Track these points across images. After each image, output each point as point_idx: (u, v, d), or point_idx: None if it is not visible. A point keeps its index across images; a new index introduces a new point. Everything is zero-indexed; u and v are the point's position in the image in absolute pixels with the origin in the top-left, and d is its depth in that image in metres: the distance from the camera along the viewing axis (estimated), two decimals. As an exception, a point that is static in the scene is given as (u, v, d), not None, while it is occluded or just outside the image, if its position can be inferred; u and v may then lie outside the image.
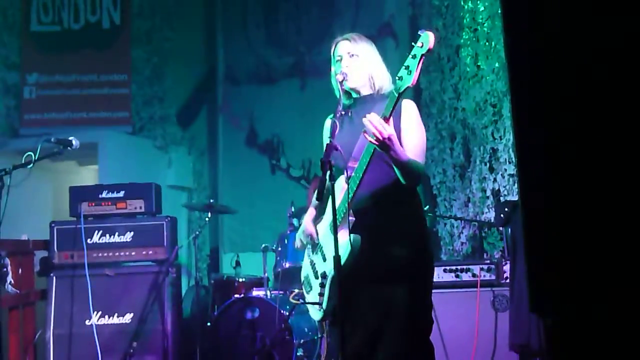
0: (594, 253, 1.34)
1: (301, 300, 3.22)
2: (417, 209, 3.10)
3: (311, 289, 3.15)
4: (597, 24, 1.36)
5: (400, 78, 2.70)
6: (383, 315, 2.91)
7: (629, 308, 1.34)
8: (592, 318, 1.38)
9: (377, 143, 2.71)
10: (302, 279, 3.26)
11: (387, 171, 2.91)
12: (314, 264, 3.15)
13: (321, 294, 3.00)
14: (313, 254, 3.18)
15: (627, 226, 1.32)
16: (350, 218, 2.86)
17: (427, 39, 2.64)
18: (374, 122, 2.68)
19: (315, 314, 3.09)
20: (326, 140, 3.26)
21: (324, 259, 3.03)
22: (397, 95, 2.71)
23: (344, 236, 2.81)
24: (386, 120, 2.70)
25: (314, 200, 3.29)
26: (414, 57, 2.66)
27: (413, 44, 2.68)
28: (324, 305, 2.97)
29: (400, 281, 2.91)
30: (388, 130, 2.70)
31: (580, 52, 1.37)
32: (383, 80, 3.13)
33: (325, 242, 3.05)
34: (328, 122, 3.32)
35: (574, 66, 1.37)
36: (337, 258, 2.66)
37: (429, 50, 2.64)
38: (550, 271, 1.38)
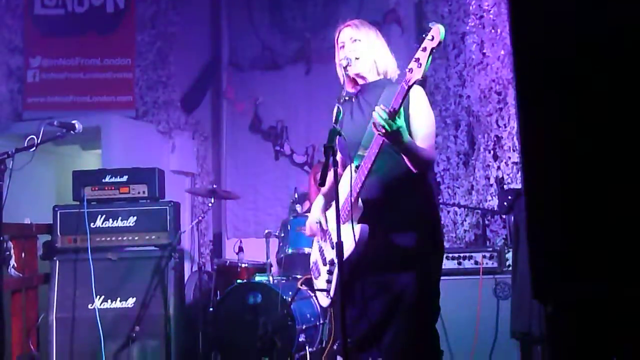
0: (596, 241, 1.33)
1: (308, 287, 3.24)
2: (427, 197, 3.09)
3: (319, 275, 3.16)
4: (605, 13, 1.35)
5: (411, 70, 2.68)
6: (390, 303, 2.92)
7: (631, 296, 1.34)
8: (593, 305, 1.38)
9: (385, 136, 2.71)
10: (311, 264, 3.27)
11: (396, 160, 2.90)
12: (323, 250, 3.15)
13: (329, 281, 3.00)
14: (322, 240, 3.18)
15: (629, 214, 1.31)
16: (359, 206, 2.86)
17: (438, 32, 2.63)
18: (382, 116, 2.67)
19: (323, 300, 3.10)
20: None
21: (332, 247, 3.03)
22: (407, 88, 2.70)
23: (350, 225, 2.81)
24: (395, 112, 2.69)
25: (324, 188, 3.29)
26: (424, 49, 2.65)
27: (423, 35, 2.66)
28: (332, 292, 2.98)
29: (408, 270, 2.91)
30: (397, 123, 2.69)
31: (586, 41, 1.36)
32: (387, 64, 3.12)
33: (334, 229, 3.05)
34: (335, 109, 3.31)
35: (581, 55, 1.36)
36: (339, 244, 2.66)
37: (439, 43, 2.63)
38: (553, 258, 1.38)
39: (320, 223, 3.17)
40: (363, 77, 3.12)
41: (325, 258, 3.11)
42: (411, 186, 2.98)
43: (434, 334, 3.04)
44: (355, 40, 3.10)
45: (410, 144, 2.80)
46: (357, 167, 2.87)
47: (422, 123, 2.96)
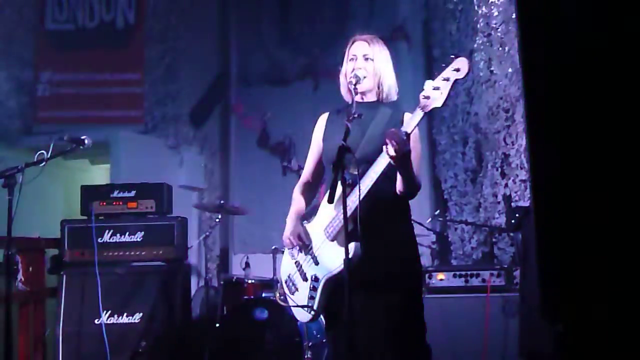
0: (606, 261, 1.33)
1: (288, 302, 3.19)
2: (410, 220, 3.14)
3: (297, 290, 3.12)
4: (613, 30, 1.35)
5: (428, 97, 2.68)
6: (380, 320, 2.91)
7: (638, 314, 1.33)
8: (603, 326, 1.37)
9: (395, 158, 2.70)
10: (285, 278, 3.23)
11: (387, 183, 2.91)
12: (300, 264, 3.12)
13: (312, 297, 3.00)
14: (300, 254, 3.14)
15: (636, 232, 1.31)
16: (350, 225, 2.85)
17: (465, 65, 2.63)
18: (397, 138, 2.67)
19: (304, 316, 3.08)
20: (318, 137, 3.27)
21: (316, 263, 3.01)
22: (422, 114, 2.70)
23: (342, 244, 2.80)
24: (408, 137, 2.70)
25: (299, 199, 3.29)
26: (447, 80, 2.65)
27: (443, 65, 2.66)
28: (315, 307, 2.98)
29: (396, 287, 2.94)
30: (408, 147, 2.70)
31: (596, 57, 1.36)
32: (390, 89, 3.13)
33: (319, 245, 3.04)
34: (323, 118, 3.32)
35: (591, 71, 1.36)
36: (347, 262, 2.65)
37: (464, 77, 2.63)
38: (562, 278, 1.37)
39: (300, 236, 3.13)
40: (363, 96, 3.11)
41: (305, 273, 3.08)
42: (398, 207, 3.03)
43: (426, 348, 3.05)
44: (367, 58, 3.09)
45: (412, 169, 2.83)
46: (349, 184, 2.85)
47: (414, 153, 2.97)
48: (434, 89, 2.67)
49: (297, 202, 3.33)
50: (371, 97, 3.13)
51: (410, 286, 3.00)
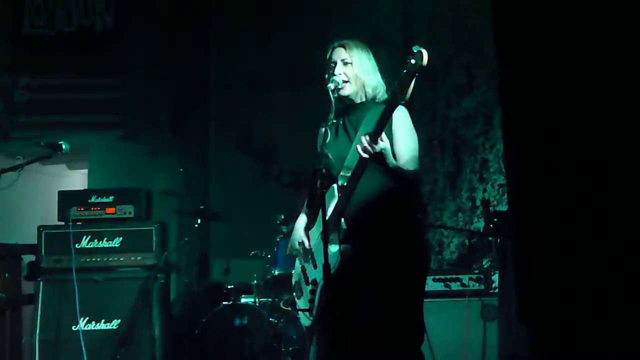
0: (582, 264, 1.34)
1: (291, 307, 3.23)
2: (410, 217, 3.10)
3: (302, 295, 3.15)
4: (585, 36, 1.37)
5: (394, 93, 2.70)
6: (374, 324, 2.91)
7: (619, 318, 1.34)
8: (580, 327, 1.38)
9: (368, 158, 2.73)
10: (293, 283, 3.26)
11: (379, 180, 2.91)
12: (306, 270, 3.14)
13: (311, 301, 2.99)
14: (304, 260, 3.17)
15: (616, 237, 1.32)
16: (342, 226, 2.85)
17: (422, 56, 2.65)
18: (365, 140, 2.71)
19: (305, 320, 3.09)
20: (319, 145, 3.27)
21: (315, 266, 3.02)
22: (388, 111, 2.72)
23: (335, 245, 2.81)
24: (377, 135, 2.72)
25: (304, 207, 3.30)
26: (408, 73, 2.67)
27: (407, 59, 2.68)
28: (314, 311, 2.97)
29: (392, 290, 2.90)
30: (380, 145, 2.72)
31: (568, 62, 1.37)
32: (376, 89, 3.13)
33: (317, 249, 3.04)
34: (322, 129, 3.33)
35: (567, 76, 1.38)
36: (326, 266, 2.66)
37: (422, 67, 2.65)
38: (539, 282, 1.38)
39: (303, 242, 3.15)
40: (350, 100, 3.13)
41: (307, 277, 3.10)
42: (393, 206, 3.01)
43: (418, 355, 3.03)
44: (346, 63, 3.10)
45: (393, 164, 2.83)
46: (340, 186, 2.88)
47: (405, 144, 2.98)
48: (397, 84, 2.69)
49: (301, 218, 3.33)
50: (359, 99, 3.15)
51: (405, 289, 2.95)
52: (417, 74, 2.67)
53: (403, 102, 2.71)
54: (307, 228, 3.23)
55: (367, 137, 2.71)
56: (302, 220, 3.29)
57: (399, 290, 2.91)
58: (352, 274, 2.79)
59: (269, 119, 7.68)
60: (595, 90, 1.37)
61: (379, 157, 2.75)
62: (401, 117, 3.00)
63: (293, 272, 3.30)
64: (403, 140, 2.98)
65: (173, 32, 7.73)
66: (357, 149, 2.76)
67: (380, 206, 2.95)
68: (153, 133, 7.44)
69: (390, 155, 2.81)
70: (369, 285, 2.90)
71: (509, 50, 1.47)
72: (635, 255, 1.33)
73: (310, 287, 3.04)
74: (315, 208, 2.96)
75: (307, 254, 3.12)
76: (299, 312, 3.16)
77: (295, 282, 3.24)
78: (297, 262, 3.27)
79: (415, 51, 2.68)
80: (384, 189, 2.94)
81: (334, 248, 2.83)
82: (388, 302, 2.89)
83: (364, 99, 3.13)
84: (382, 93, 3.14)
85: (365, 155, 2.73)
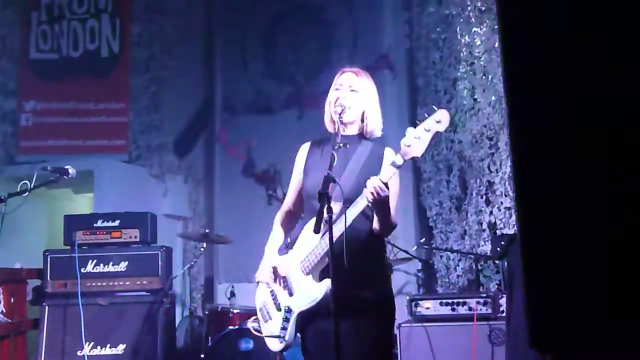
0: (594, 288, 1.32)
1: (261, 332, 3.22)
2: (384, 254, 3.23)
3: (270, 319, 3.14)
4: (594, 60, 1.37)
5: (409, 146, 2.71)
6: (353, 352, 2.90)
7: (630, 344, 1.33)
8: (592, 354, 1.37)
9: (373, 203, 2.77)
10: (259, 304, 3.24)
11: (364, 220, 2.96)
12: (275, 295, 3.12)
13: (284, 328, 3.01)
14: (275, 284, 3.15)
15: (627, 260, 1.31)
16: (324, 260, 2.89)
17: (446, 118, 2.69)
18: (376, 186, 2.73)
19: (275, 345, 3.08)
20: (299, 168, 3.27)
21: (290, 294, 3.03)
22: (402, 162, 2.75)
23: (317, 279, 2.87)
24: (386, 186, 2.74)
25: (278, 230, 3.29)
26: (428, 130, 2.68)
27: (426, 115, 2.70)
28: (287, 337, 2.98)
29: (370, 318, 2.96)
30: (386, 193, 2.74)
31: (577, 85, 1.37)
32: (375, 125, 3.13)
33: (295, 278, 3.05)
34: (305, 148, 3.32)
35: (573, 100, 1.37)
36: (334, 291, 2.66)
37: (444, 129, 2.70)
38: (550, 306, 1.36)
39: (275, 268, 3.15)
40: (345, 128, 3.10)
41: (279, 303, 3.10)
42: (373, 243, 3.05)
43: None
44: (353, 90, 3.09)
45: (389, 212, 2.90)
46: (329, 220, 2.85)
47: (393, 190, 2.99)
48: (415, 138, 2.70)
49: (276, 233, 3.35)
50: (353, 130, 3.12)
51: (382, 320, 3.03)
52: (438, 133, 2.71)
53: (417, 156, 2.74)
54: (280, 244, 3.27)
55: (381, 188, 2.73)
56: (273, 245, 3.28)
57: (375, 320, 2.99)
58: (335, 305, 2.78)
59: (274, 143, 7.70)
60: (608, 110, 1.36)
61: (381, 204, 2.81)
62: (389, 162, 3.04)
63: (257, 294, 3.27)
64: (394, 191, 2.99)
65: (179, 57, 7.78)
66: (365, 191, 2.77)
67: (360, 243, 2.96)
68: (159, 157, 7.46)
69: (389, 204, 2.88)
70: (348, 314, 2.89)
71: (516, 73, 1.47)
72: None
73: (282, 314, 3.05)
74: (319, 232, 2.95)
75: (282, 280, 3.12)
76: (267, 338, 3.17)
77: (262, 304, 3.22)
78: (263, 285, 3.24)
79: (436, 110, 2.71)
80: (365, 227, 2.99)
81: (311, 280, 2.94)
82: (365, 330, 2.94)
83: (357, 132, 3.13)
84: (378, 130, 3.14)
85: (371, 199, 2.75)
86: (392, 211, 2.96)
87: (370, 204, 2.80)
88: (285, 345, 3.04)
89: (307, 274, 2.98)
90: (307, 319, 3.00)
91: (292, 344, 3.06)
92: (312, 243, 2.96)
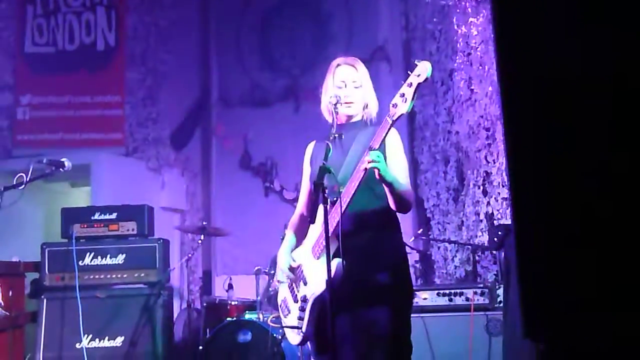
0: (587, 278, 1.33)
1: (280, 324, 3.20)
2: (399, 236, 3.12)
3: (289, 312, 3.12)
4: (589, 48, 1.37)
5: (395, 105, 2.72)
6: (367, 339, 2.89)
7: (623, 334, 1.33)
8: (586, 343, 1.37)
9: (377, 168, 2.73)
10: (279, 302, 3.24)
11: (373, 195, 2.92)
12: (293, 287, 3.12)
13: (300, 318, 2.98)
14: (293, 277, 3.15)
15: (620, 250, 1.31)
16: (334, 241, 2.84)
17: (425, 69, 2.69)
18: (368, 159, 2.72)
19: (294, 338, 3.07)
20: (307, 164, 3.27)
21: (305, 283, 3.01)
22: (391, 122, 2.73)
23: (323, 260, 2.79)
24: (377, 147, 2.74)
25: (290, 236, 3.26)
26: (410, 85, 2.71)
27: (409, 72, 2.71)
28: (304, 329, 2.96)
29: (382, 305, 2.90)
30: (383, 163, 2.74)
31: (573, 77, 1.37)
32: (374, 109, 3.16)
33: (307, 265, 3.04)
34: (311, 147, 3.33)
35: (568, 91, 1.37)
36: (330, 282, 2.65)
37: (425, 79, 2.68)
38: (544, 296, 1.37)
39: (291, 265, 3.13)
40: (349, 118, 3.14)
41: (295, 295, 3.08)
42: (386, 222, 3.02)
43: None
44: (357, 86, 3.11)
45: (395, 181, 2.83)
46: (332, 202, 2.86)
47: (399, 164, 2.99)
48: (399, 96, 2.72)
49: (288, 238, 3.29)
50: (357, 118, 3.16)
51: (396, 305, 2.94)
52: (419, 86, 2.70)
53: (404, 112, 2.72)
54: (293, 249, 3.22)
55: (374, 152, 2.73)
56: (287, 244, 3.25)
57: (391, 305, 2.91)
58: (344, 289, 2.78)
59: (271, 135, 7.70)
60: (602, 102, 1.36)
61: (385, 170, 2.76)
62: (393, 138, 3.02)
63: (279, 289, 3.28)
64: (397, 160, 2.99)
65: (175, 50, 7.77)
66: (360, 167, 2.76)
67: (372, 223, 2.95)
68: (155, 150, 7.46)
69: (390, 171, 2.83)
70: (362, 299, 2.89)
71: (510, 62, 1.47)
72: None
73: (299, 304, 3.03)
74: (315, 222, 2.95)
75: (296, 271, 3.11)
76: (287, 330, 3.15)
77: (282, 300, 3.22)
78: (284, 285, 3.24)
79: (418, 64, 2.71)
80: (376, 206, 2.95)
81: (323, 263, 2.83)
82: (381, 316, 2.89)
83: (359, 119, 3.15)
84: (374, 114, 3.16)
85: (373, 166, 2.72)
86: (403, 181, 2.94)
87: (360, 180, 2.78)
88: (304, 336, 3.00)
89: (318, 258, 2.95)
90: (325, 307, 2.85)
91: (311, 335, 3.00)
92: (321, 227, 2.92)
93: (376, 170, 2.74)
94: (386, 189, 2.87)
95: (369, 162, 2.73)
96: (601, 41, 1.36)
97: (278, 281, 3.22)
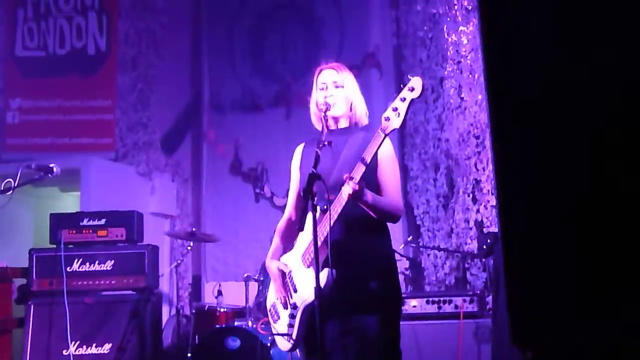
0: (573, 285, 1.33)
1: (271, 330, 3.19)
2: (388, 243, 3.13)
3: (279, 318, 3.12)
4: (578, 52, 1.37)
5: (388, 119, 2.73)
6: (356, 346, 2.89)
7: (609, 339, 1.34)
8: (572, 350, 1.38)
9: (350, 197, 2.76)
10: (269, 307, 3.23)
11: (360, 207, 2.92)
12: (283, 293, 3.12)
13: (291, 325, 2.98)
14: (283, 283, 3.14)
15: (605, 258, 1.32)
16: (323, 251, 2.84)
17: (419, 84, 2.70)
18: (350, 187, 2.74)
19: (284, 344, 3.06)
20: (296, 167, 3.27)
21: (295, 290, 3.01)
22: (383, 136, 2.74)
23: (313, 269, 2.79)
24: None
25: (277, 243, 3.26)
26: (403, 100, 2.71)
27: (402, 85, 2.72)
28: (294, 335, 2.96)
29: (372, 313, 2.91)
30: (362, 190, 2.75)
31: (558, 85, 1.38)
32: (361, 113, 3.17)
33: (297, 272, 3.03)
34: (299, 150, 3.34)
35: (554, 99, 1.38)
36: (317, 289, 2.64)
37: (419, 95, 2.69)
38: (530, 303, 1.37)
39: (281, 269, 3.13)
40: (336, 122, 3.15)
41: (286, 302, 3.08)
42: (375, 229, 3.03)
43: None
44: (338, 86, 3.14)
45: (376, 201, 2.86)
46: (323, 210, 2.87)
47: (390, 174, 3.00)
48: (392, 110, 2.72)
49: (275, 245, 3.30)
50: (344, 123, 3.17)
51: (385, 312, 2.96)
52: (412, 101, 2.71)
53: (397, 127, 2.74)
54: (281, 254, 3.22)
55: (354, 181, 2.73)
56: (275, 250, 3.25)
57: (380, 312, 2.92)
58: (333, 297, 2.77)
59: (262, 141, 7.69)
60: (590, 109, 1.37)
61: (357, 198, 2.78)
62: (385, 148, 3.02)
63: (268, 295, 3.28)
64: (388, 171, 3.00)
65: (166, 54, 7.76)
66: (343, 191, 2.76)
67: (361, 230, 2.96)
68: (145, 155, 7.43)
69: (368, 194, 2.84)
70: (349, 307, 2.89)
71: (497, 71, 1.47)
72: (628, 271, 1.33)
73: (289, 311, 3.02)
74: (303, 230, 2.94)
75: (286, 277, 3.10)
76: (277, 337, 3.14)
77: (271, 305, 3.22)
78: (272, 284, 3.24)
79: (410, 79, 2.72)
80: (365, 215, 2.95)
81: (313, 272, 2.82)
82: (370, 324, 2.89)
83: (347, 124, 3.16)
84: (364, 117, 3.17)
85: (348, 198, 2.75)
86: (391, 193, 2.97)
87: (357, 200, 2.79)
88: (294, 343, 3.00)
89: (308, 266, 2.95)
90: (313, 315, 2.89)
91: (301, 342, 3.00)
92: (311, 235, 2.92)
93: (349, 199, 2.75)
94: (367, 208, 2.89)
95: (350, 192, 2.74)
96: (586, 49, 1.36)
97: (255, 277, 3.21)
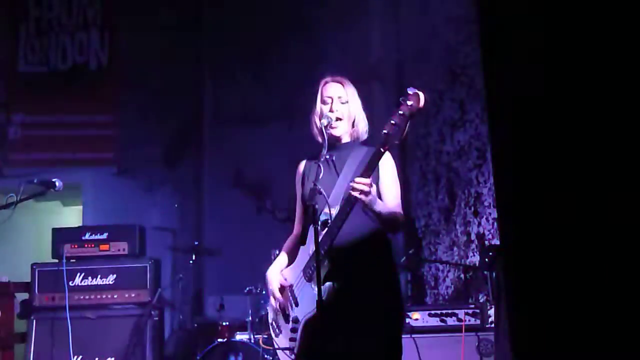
0: (575, 303, 1.33)
1: (273, 344, 3.19)
2: (392, 257, 3.12)
3: (281, 332, 3.12)
4: (575, 60, 1.38)
5: (387, 134, 2.71)
6: (362, 357, 2.89)
7: (610, 356, 1.34)
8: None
9: (364, 200, 2.72)
10: (270, 321, 3.23)
11: (365, 220, 2.92)
12: (284, 307, 3.12)
13: (293, 339, 2.97)
14: (283, 297, 3.14)
15: (607, 276, 1.32)
16: (325, 264, 2.84)
17: (419, 99, 2.67)
18: (362, 183, 2.71)
19: (286, 358, 3.06)
20: (299, 184, 3.27)
21: (296, 304, 3.01)
22: (382, 151, 2.73)
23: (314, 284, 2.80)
24: (368, 175, 2.73)
25: (283, 257, 3.26)
26: (404, 115, 2.69)
27: (401, 99, 2.70)
28: (296, 350, 2.95)
29: (375, 326, 2.91)
30: (373, 190, 2.74)
31: (558, 97, 1.39)
32: (363, 129, 3.16)
33: (299, 286, 3.03)
34: (302, 166, 3.33)
35: (555, 107, 1.39)
36: (320, 302, 2.64)
37: (418, 109, 2.67)
38: (532, 316, 1.38)
39: (281, 285, 3.13)
40: (339, 138, 3.14)
41: (288, 315, 3.08)
42: (378, 243, 3.02)
43: None
44: (343, 102, 3.12)
45: (382, 206, 2.84)
46: (323, 224, 2.86)
47: (392, 190, 3.00)
48: (392, 125, 2.70)
49: (280, 258, 3.30)
50: (346, 138, 3.16)
51: (387, 325, 2.96)
52: (413, 116, 2.69)
53: (396, 142, 2.72)
54: (282, 269, 3.22)
55: (363, 179, 2.72)
56: (278, 264, 3.25)
57: (383, 327, 2.92)
58: (338, 310, 2.77)
59: (263, 154, 7.69)
60: (588, 121, 1.38)
61: (370, 201, 2.76)
62: (387, 162, 3.02)
63: (269, 308, 3.27)
64: (389, 182, 3.00)
65: (167, 68, 7.77)
66: (351, 190, 2.75)
67: (364, 245, 2.96)
68: (147, 169, 7.44)
69: (378, 200, 2.84)
70: (354, 321, 2.89)
71: (498, 83, 1.48)
72: (631, 287, 1.34)
73: (290, 325, 3.02)
74: (305, 244, 2.95)
75: (287, 291, 3.10)
76: (279, 351, 3.14)
77: (273, 319, 3.21)
78: (272, 299, 3.23)
79: (411, 93, 2.70)
80: (369, 228, 2.95)
81: (315, 287, 2.83)
82: (371, 338, 2.89)
83: (349, 139, 3.15)
84: (365, 133, 3.17)
85: (361, 197, 2.73)
86: (393, 204, 2.96)
87: (352, 205, 2.78)
88: (296, 357, 2.99)
89: (309, 280, 2.95)
90: (315, 328, 2.89)
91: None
92: (312, 250, 2.92)
93: (363, 198, 2.74)
94: (374, 215, 2.88)
95: (355, 190, 2.73)
96: (582, 63, 1.37)
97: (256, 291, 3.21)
